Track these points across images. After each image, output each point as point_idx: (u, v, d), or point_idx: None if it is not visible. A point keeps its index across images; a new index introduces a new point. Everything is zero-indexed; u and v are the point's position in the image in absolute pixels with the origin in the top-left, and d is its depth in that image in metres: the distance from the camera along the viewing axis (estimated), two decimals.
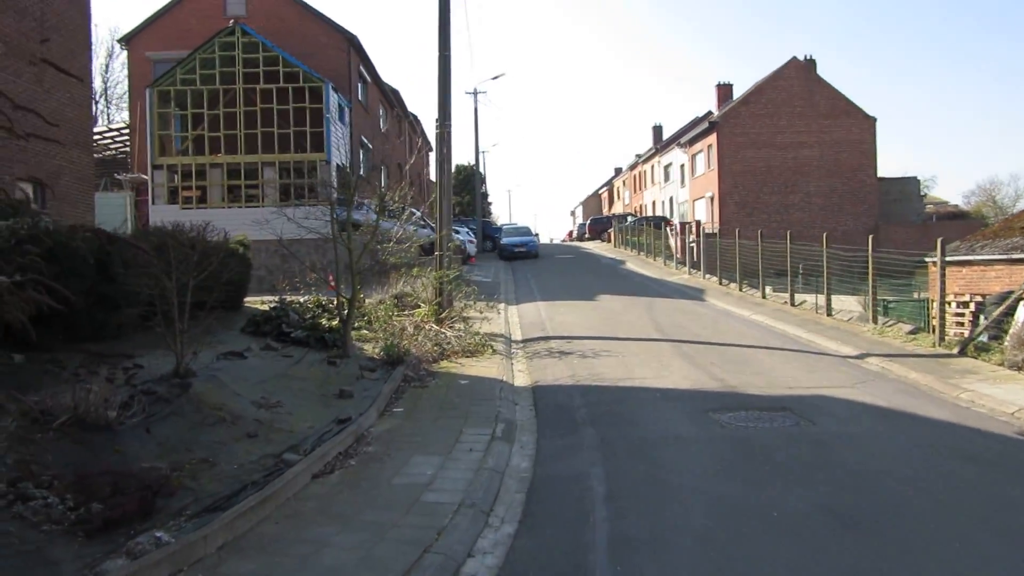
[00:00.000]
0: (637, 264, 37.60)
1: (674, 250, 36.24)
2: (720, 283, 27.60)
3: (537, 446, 8.65)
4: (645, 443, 8.47)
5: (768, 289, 23.82)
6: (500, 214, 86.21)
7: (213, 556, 5.31)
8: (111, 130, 34.74)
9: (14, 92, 13.30)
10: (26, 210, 8.15)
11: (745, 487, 6.94)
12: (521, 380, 12.52)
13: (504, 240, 42.89)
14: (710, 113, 56.81)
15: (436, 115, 17.59)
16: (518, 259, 39.37)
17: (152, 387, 8.21)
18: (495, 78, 78.45)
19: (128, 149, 32.16)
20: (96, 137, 32.92)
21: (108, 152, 33.52)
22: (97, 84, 53.50)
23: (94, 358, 8.80)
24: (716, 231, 39.99)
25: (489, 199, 78.50)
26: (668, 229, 39.18)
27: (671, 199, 60.01)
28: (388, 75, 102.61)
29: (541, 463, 7.99)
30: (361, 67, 34.29)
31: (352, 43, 32.39)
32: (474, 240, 40.51)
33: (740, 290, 25.60)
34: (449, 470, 7.48)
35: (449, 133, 17.37)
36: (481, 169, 58.73)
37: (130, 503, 5.52)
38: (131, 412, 7.42)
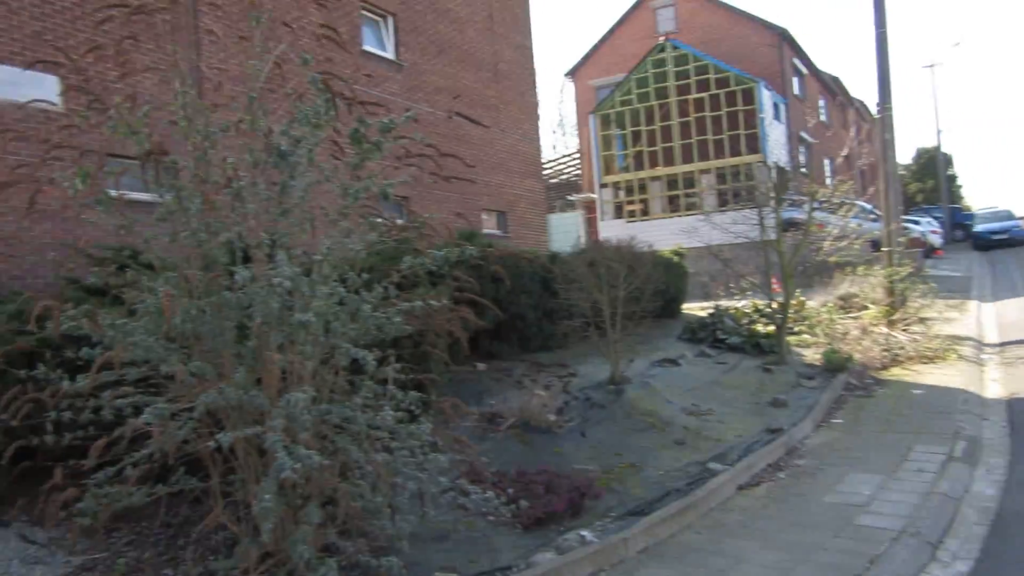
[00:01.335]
0: None
1: None
2: None
3: (1009, 471, 7.34)
4: None
5: None
6: (973, 199, 75.47)
7: (633, 559, 5.49)
8: (564, 156, 38.36)
9: (476, 136, 15.46)
10: (478, 238, 9.41)
11: None
12: (993, 391, 10.76)
13: (978, 227, 37.27)
14: None
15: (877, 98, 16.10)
16: (996, 248, 33.93)
17: (589, 393, 8.80)
18: (956, 45, 69.37)
19: (580, 172, 35.21)
20: (552, 164, 36.67)
21: (563, 176, 37.06)
22: (555, 116, 59.56)
23: (535, 367, 9.75)
24: None
25: (958, 182, 69.31)
26: None
27: None
28: (826, 63, 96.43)
29: (1012, 492, 6.75)
30: (795, 60, 32.96)
31: (784, 37, 31.32)
32: (939, 230, 36.03)
33: None
34: (891, 492, 6.72)
35: (890, 116, 15.76)
36: (944, 150, 52.27)
37: (560, 502, 5.97)
38: (568, 417, 8.05)
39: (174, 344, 4.66)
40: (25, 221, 8.81)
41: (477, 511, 5.69)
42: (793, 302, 13.50)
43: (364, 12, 13.79)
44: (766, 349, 12.67)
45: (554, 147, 48.11)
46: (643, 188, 29.34)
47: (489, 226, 16.31)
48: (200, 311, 4.58)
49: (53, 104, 9.07)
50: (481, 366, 9.60)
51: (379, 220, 5.36)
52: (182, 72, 5.13)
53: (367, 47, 13.61)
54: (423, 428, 4.96)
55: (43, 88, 9.10)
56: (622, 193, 29.81)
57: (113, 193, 5.09)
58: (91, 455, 3.80)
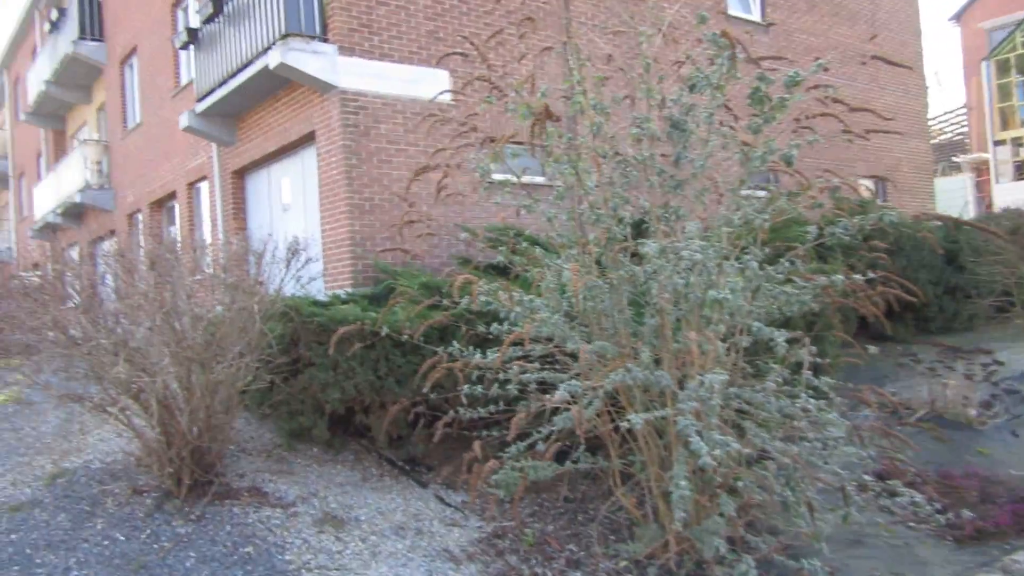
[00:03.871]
0: None
1: None
2: None
3: None
4: None
5: None
6: None
7: None
8: (945, 113, 33.88)
9: (850, 95, 14.06)
10: (871, 206, 8.42)
11: None
12: None
13: None
14: None
15: None
16: None
17: (1015, 385, 7.46)
18: None
19: (965, 129, 30.86)
20: (931, 123, 32.58)
21: (943, 136, 32.76)
22: (928, 69, 53.34)
23: (947, 352, 8.48)
24: None
25: None
26: None
27: None
28: None
29: None
30: None
31: None
32: None
33: None
34: None
35: None
36: None
37: (1001, 514, 5.02)
38: (993, 412, 6.86)
39: (574, 322, 4.64)
40: (424, 205, 9.68)
41: (898, 518, 5.00)
42: None
43: None
44: None
45: (928, 104, 42.82)
46: None
47: (865, 195, 14.78)
48: (601, 288, 4.49)
49: (459, 93, 9.83)
50: (873, 349, 8.59)
51: (772, 188, 4.88)
52: (576, 48, 5.09)
53: (732, 11, 12.96)
54: (838, 417, 4.42)
55: (437, 83, 9.90)
56: (1023, 150, 25.49)
57: (502, 177, 5.21)
58: (512, 429, 3.87)
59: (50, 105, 20.48)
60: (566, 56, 5.03)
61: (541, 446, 4.34)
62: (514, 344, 4.64)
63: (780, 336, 4.17)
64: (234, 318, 5.13)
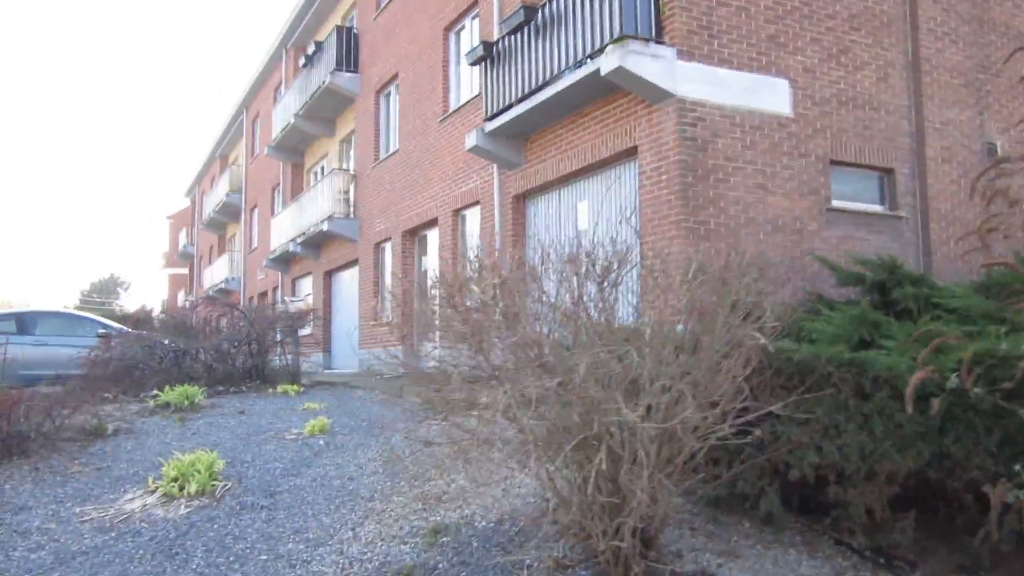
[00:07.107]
0: None
1: None
2: None
3: None
4: None
5: None
6: None
7: None
8: None
9: None
10: None
11: None
12: None
13: None
14: None
15: None
16: None
17: None
18: None
19: None
20: None
21: None
22: None
23: None
24: None
25: None
26: None
27: None
28: None
29: None
30: None
31: None
32: None
33: None
34: None
35: None
36: None
37: None
38: None
39: None
40: (761, 233, 8.35)
41: None
42: None
43: None
44: None
45: None
46: None
47: None
48: None
49: None
50: None
51: None
52: None
53: None
54: None
55: (775, 93, 8.63)
56: None
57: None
58: None
59: (293, 139, 21.00)
60: None
61: None
62: None
63: None
64: (716, 350, 3.93)
